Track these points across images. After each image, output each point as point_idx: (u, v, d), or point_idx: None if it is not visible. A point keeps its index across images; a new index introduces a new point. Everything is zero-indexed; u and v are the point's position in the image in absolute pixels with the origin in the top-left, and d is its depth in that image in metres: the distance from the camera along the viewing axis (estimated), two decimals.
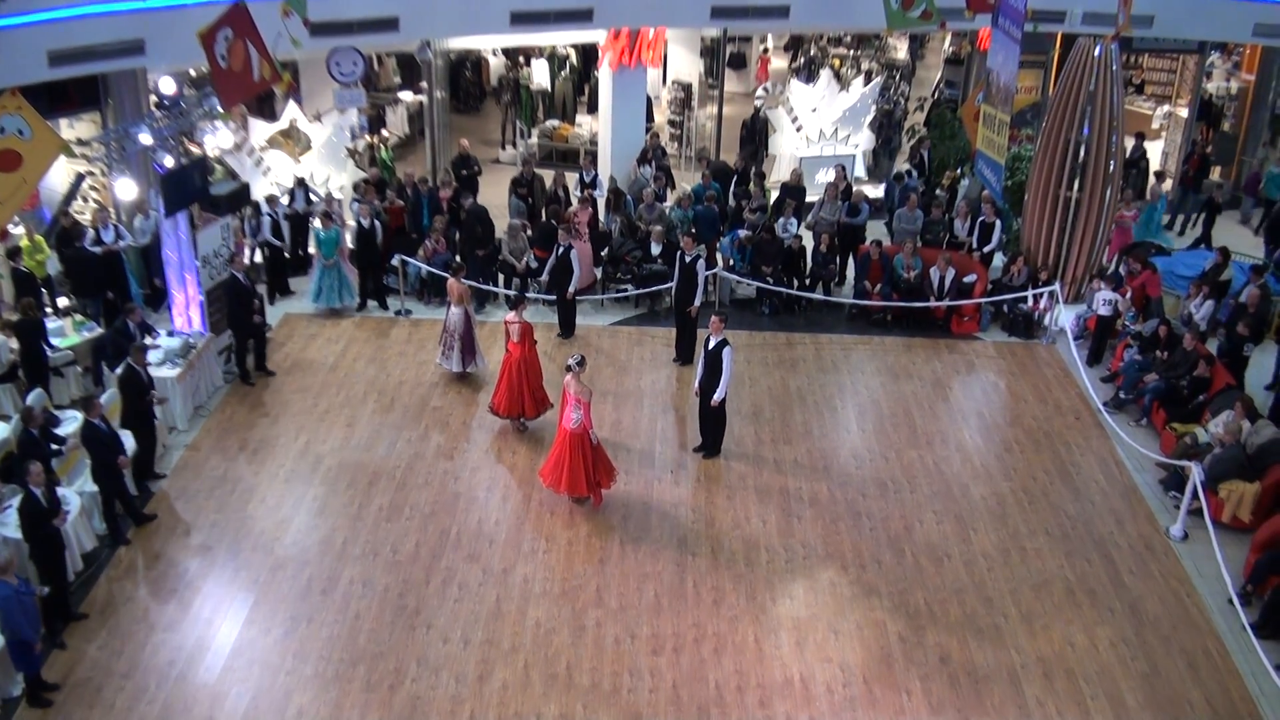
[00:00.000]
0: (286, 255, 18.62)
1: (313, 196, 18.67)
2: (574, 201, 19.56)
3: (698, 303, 16.34)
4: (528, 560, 12.45)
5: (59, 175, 18.30)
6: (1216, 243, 20.19)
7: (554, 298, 17.37)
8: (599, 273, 18.49)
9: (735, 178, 20.80)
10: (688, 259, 16.26)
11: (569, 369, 12.85)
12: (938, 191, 19.72)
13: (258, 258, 18.56)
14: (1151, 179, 21.18)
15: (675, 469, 14.12)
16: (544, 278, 17.57)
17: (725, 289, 18.59)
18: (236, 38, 13.63)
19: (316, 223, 17.68)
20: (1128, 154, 20.97)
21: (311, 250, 18.27)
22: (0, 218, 12.88)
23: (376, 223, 17.72)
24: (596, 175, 20.58)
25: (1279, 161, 22.88)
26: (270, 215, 17.99)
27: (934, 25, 17.84)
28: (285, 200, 18.67)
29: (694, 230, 18.24)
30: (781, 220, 18.67)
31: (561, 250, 16.92)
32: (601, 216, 19.44)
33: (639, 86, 21.54)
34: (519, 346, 14.45)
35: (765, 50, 29.81)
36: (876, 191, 22.55)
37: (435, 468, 14.11)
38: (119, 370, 13.59)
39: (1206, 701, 10.85)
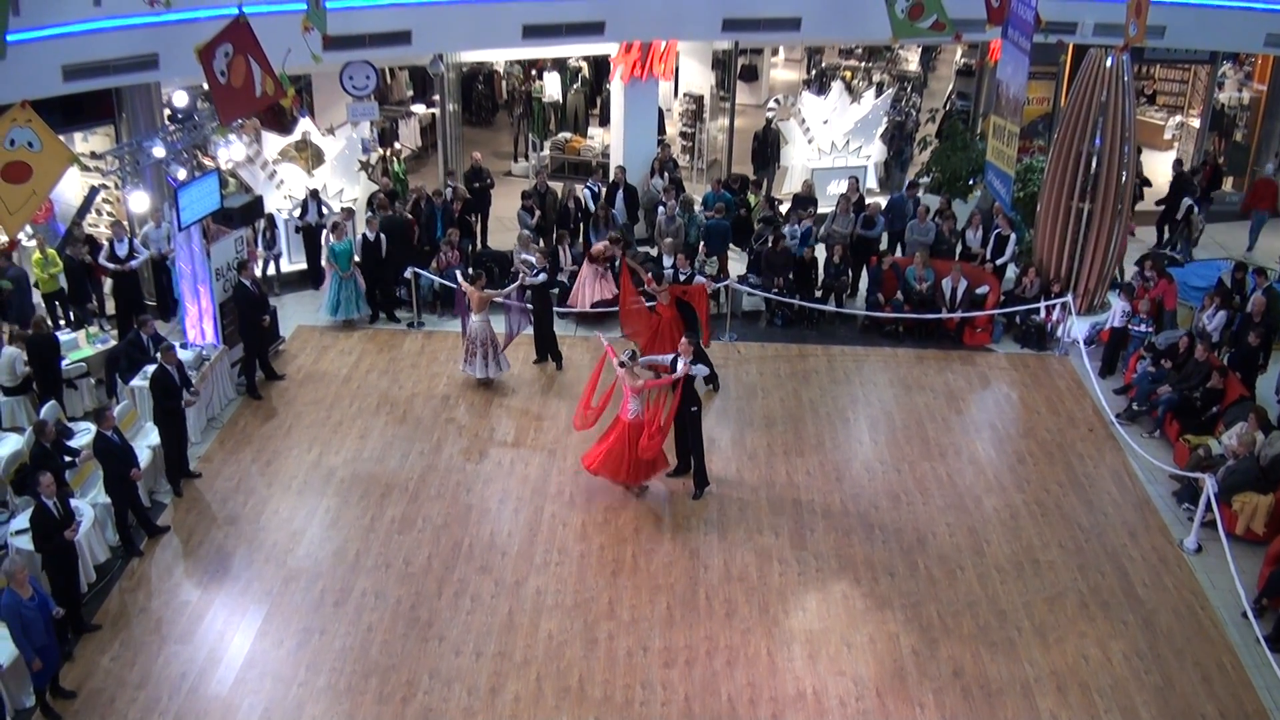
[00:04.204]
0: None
1: (324, 209, 18.74)
2: (594, 212, 19.60)
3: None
4: (540, 572, 12.45)
5: (73, 189, 18.42)
6: (1227, 251, 20.07)
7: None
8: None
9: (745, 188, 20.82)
10: (681, 277, 16.19)
11: (622, 365, 13.18)
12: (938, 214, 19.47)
13: (270, 270, 18.65)
14: None
15: (687, 480, 14.09)
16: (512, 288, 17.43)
17: (737, 301, 18.55)
18: (237, 53, 13.57)
19: (329, 235, 17.74)
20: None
21: (324, 264, 18.32)
22: (10, 228, 12.96)
23: (382, 235, 17.74)
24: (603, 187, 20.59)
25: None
26: (305, 213, 18.59)
27: (947, 36, 17.80)
28: (297, 213, 18.75)
29: (703, 243, 18.15)
30: (790, 228, 18.67)
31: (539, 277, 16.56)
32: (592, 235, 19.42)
33: (650, 99, 21.58)
34: (669, 309, 15.48)
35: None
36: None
37: (448, 479, 14.12)
38: (152, 370, 13.70)
39: (1220, 715, 10.78)
